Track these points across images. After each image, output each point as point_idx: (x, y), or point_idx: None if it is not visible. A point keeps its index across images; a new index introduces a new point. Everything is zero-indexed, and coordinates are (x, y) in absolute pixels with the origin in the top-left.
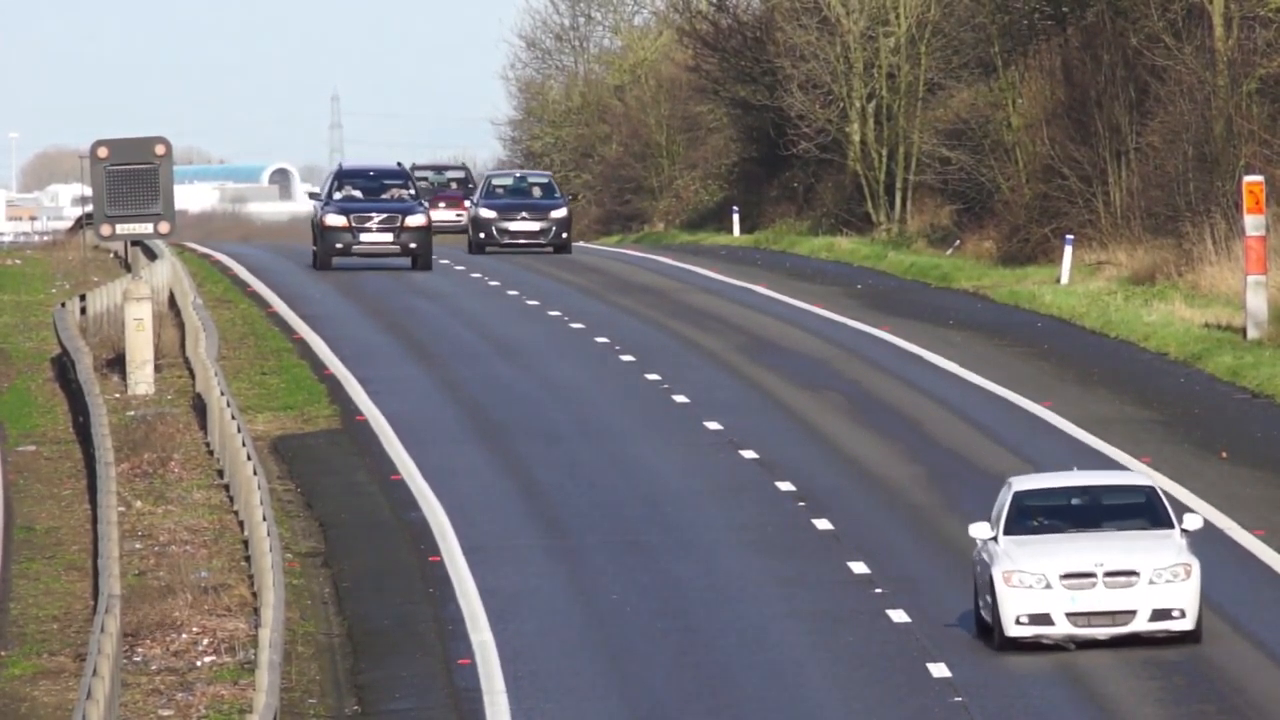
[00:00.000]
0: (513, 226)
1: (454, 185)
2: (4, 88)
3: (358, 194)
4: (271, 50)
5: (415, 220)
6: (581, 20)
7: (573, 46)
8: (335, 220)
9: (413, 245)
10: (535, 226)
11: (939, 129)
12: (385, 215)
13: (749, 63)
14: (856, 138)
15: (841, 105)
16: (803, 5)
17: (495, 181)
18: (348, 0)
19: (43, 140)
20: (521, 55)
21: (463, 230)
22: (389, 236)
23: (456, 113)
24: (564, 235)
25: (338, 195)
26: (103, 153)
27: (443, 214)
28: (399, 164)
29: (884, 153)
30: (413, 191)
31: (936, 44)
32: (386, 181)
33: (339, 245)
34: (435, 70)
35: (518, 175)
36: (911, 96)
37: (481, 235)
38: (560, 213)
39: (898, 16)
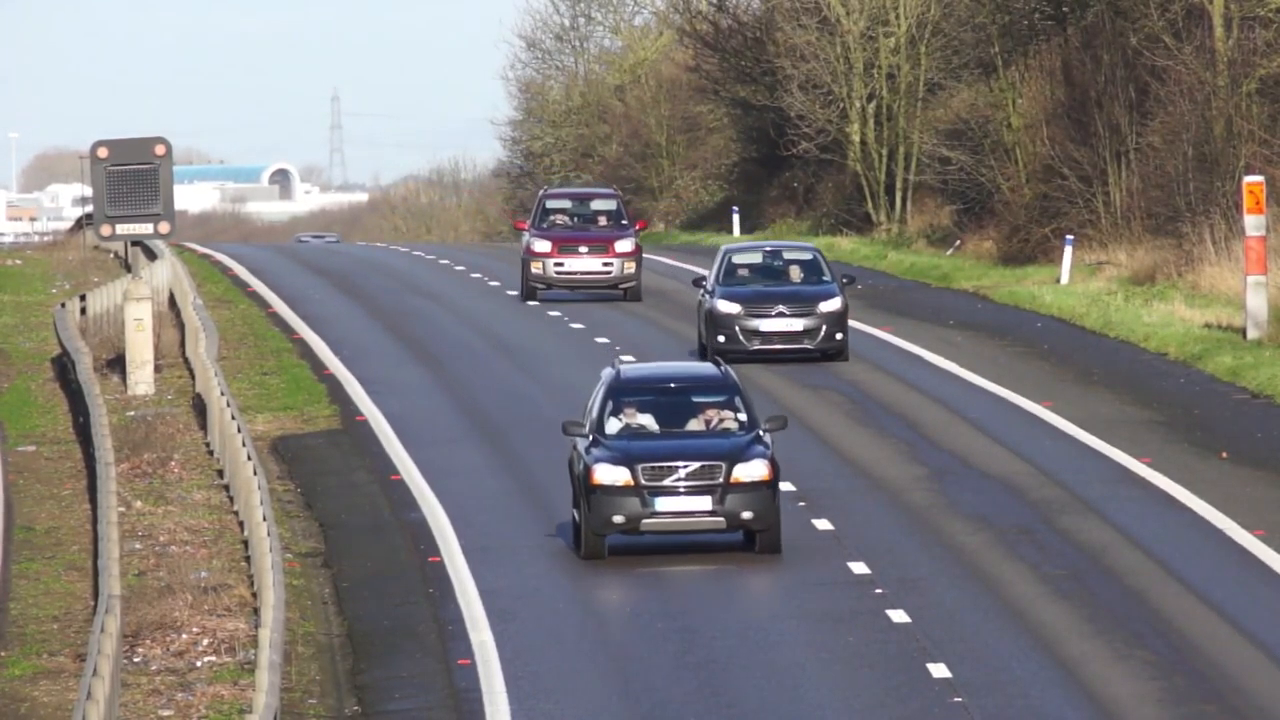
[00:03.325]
0: (765, 326)
1: (603, 221)
2: (4, 88)
3: (647, 421)
4: (271, 50)
5: (752, 470)
6: (581, 20)
7: (573, 47)
8: (610, 474)
9: (746, 516)
10: (798, 326)
11: (939, 129)
12: (699, 465)
13: (749, 63)
14: (856, 138)
15: (841, 105)
16: (803, 5)
17: (737, 259)
18: (348, 0)
19: (43, 140)
20: (521, 55)
21: (611, 285)
22: (706, 501)
23: (456, 113)
24: (837, 336)
25: (613, 424)
26: (103, 153)
27: (584, 262)
28: (716, 362)
29: (884, 153)
30: (744, 416)
31: (936, 44)
32: (700, 398)
33: (618, 519)
34: (435, 70)
35: (768, 249)
36: (911, 97)
37: (720, 339)
38: (833, 304)
39: (898, 16)
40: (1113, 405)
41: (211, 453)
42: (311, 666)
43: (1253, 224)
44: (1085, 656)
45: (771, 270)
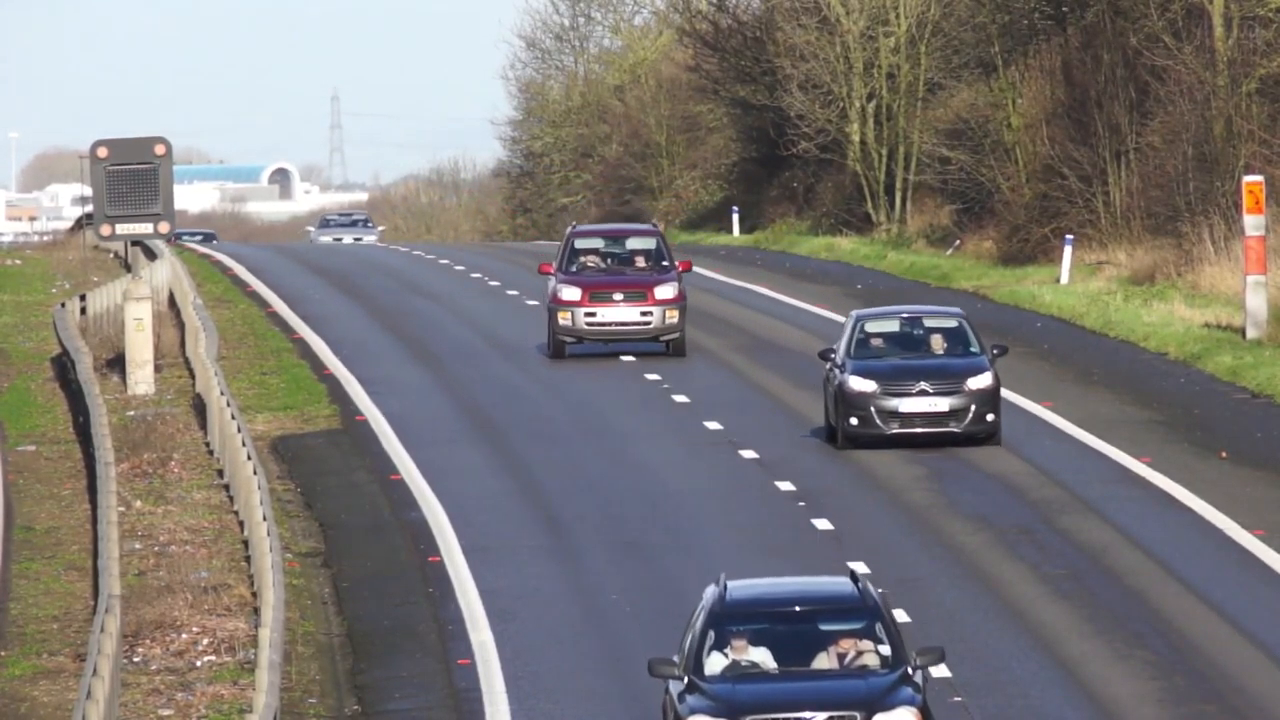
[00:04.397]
0: (905, 407)
1: (641, 262)
2: (4, 88)
3: (761, 658)
4: (271, 50)
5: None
6: (581, 20)
7: (573, 46)
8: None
9: None
10: (943, 406)
11: (939, 129)
12: (826, 717)
13: (749, 63)
14: (856, 138)
15: (841, 105)
16: (803, 5)
17: (870, 327)
18: (348, 0)
19: (43, 140)
20: (521, 55)
21: (651, 337)
22: None
23: (456, 113)
24: (989, 417)
25: (715, 662)
26: (103, 153)
27: (620, 312)
28: (854, 576)
29: (884, 153)
30: (888, 649)
31: (936, 44)
32: (830, 625)
33: None
34: (435, 70)
35: (906, 316)
36: (911, 96)
37: (853, 421)
38: (983, 380)
39: (898, 16)
40: (1113, 405)
41: (211, 452)
42: (311, 666)
43: (1252, 224)
44: (1085, 656)
45: (910, 340)
